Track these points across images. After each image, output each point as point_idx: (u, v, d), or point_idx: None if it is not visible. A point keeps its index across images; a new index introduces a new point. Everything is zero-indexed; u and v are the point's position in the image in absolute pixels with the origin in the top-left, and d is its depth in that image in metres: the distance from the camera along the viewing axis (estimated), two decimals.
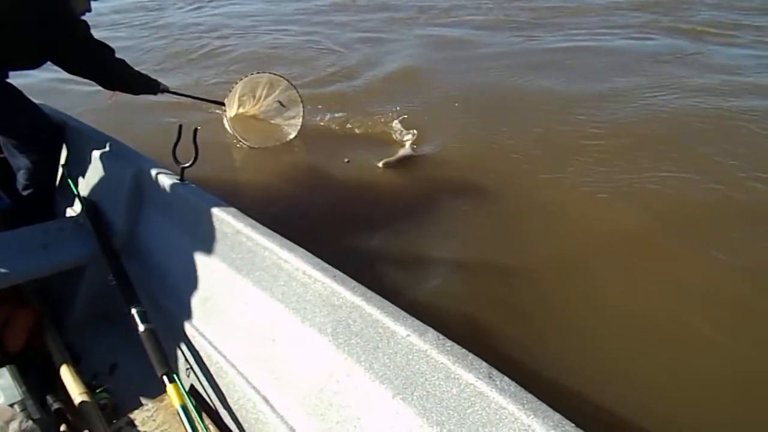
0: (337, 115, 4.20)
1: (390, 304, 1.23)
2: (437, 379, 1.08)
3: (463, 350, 1.09)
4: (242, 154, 3.66)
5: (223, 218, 1.60)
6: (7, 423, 1.31)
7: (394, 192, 3.21)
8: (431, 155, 3.60)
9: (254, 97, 3.81)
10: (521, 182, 3.22)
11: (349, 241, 2.62)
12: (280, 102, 3.81)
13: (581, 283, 2.39)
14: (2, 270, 1.80)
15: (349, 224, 2.80)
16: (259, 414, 1.40)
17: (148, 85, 2.48)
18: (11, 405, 1.41)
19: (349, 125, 4.07)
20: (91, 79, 2.25)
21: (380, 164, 3.38)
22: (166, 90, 2.57)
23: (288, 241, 1.46)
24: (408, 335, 1.14)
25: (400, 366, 1.16)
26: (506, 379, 1.02)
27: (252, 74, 3.69)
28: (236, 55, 6.20)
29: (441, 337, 1.13)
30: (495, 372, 1.03)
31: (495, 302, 2.26)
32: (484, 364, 1.06)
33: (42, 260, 1.88)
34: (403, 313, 1.20)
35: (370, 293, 1.27)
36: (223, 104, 3.50)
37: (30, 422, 1.37)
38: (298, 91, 3.73)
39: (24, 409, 1.42)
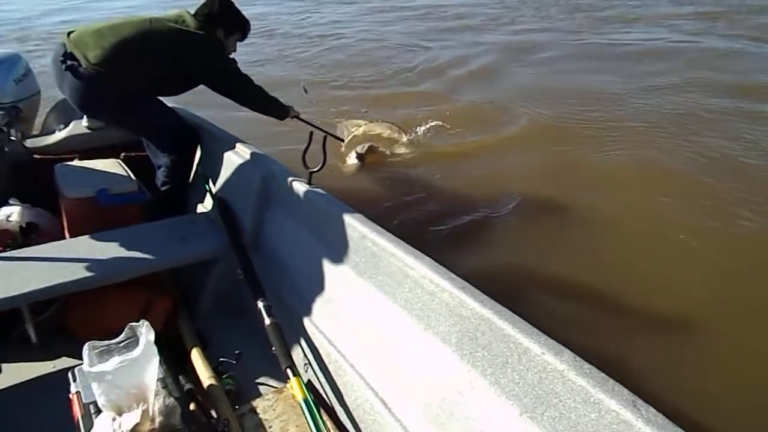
0: (455, 132, 4.33)
1: (522, 320, 1.22)
2: (573, 401, 1.05)
3: (603, 374, 1.05)
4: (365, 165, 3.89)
5: (349, 222, 1.66)
6: (154, 398, 1.44)
7: (515, 203, 3.24)
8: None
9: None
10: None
11: (469, 252, 2.64)
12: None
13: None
14: (148, 257, 1.98)
15: (468, 238, 2.83)
16: (377, 415, 1.43)
17: (279, 111, 2.69)
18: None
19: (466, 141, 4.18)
20: (231, 100, 2.52)
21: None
22: (296, 116, 2.79)
23: (414, 249, 1.49)
24: (543, 353, 1.12)
25: (531, 384, 1.14)
26: (652, 409, 0.97)
27: (372, 122, 4.10)
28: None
29: (578, 358, 1.09)
30: (640, 401, 0.99)
31: (631, 329, 2.18)
32: (626, 390, 1.02)
33: (180, 251, 2.06)
34: (536, 330, 1.18)
35: (499, 307, 1.26)
36: (342, 140, 3.84)
37: (171, 399, 1.48)
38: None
39: (165, 387, 1.54)
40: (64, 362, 1.96)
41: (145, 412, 1.36)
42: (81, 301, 2.02)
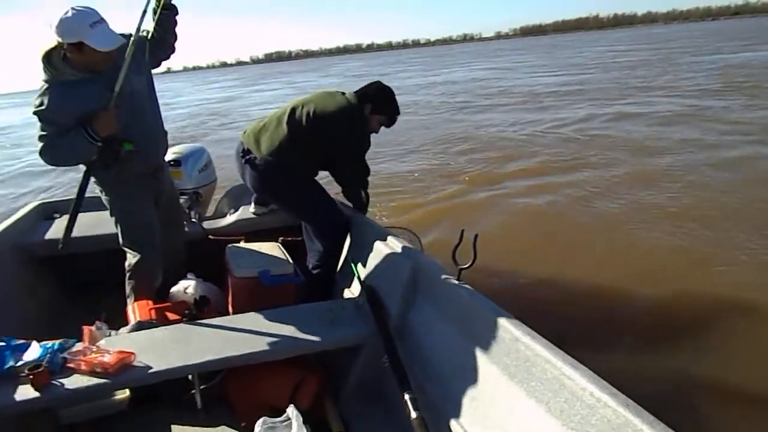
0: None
1: None
2: None
3: None
4: (518, 264, 3.89)
5: (501, 323, 1.67)
6: None
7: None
8: None
9: None
10: None
11: (629, 365, 2.49)
12: None
13: None
14: (301, 338, 2.12)
15: (627, 348, 2.70)
16: None
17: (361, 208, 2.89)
18: None
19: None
20: (345, 184, 2.76)
21: None
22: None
23: (572, 358, 1.45)
24: None
25: None
26: None
27: None
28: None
29: None
30: None
31: None
32: None
33: (330, 334, 2.17)
34: None
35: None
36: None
37: None
38: None
39: None
40: (223, 429, 2.13)
41: None
42: (240, 374, 2.21)
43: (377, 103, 2.66)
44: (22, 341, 2.01)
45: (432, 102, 15.30)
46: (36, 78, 2.20)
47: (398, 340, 2.09)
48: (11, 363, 1.92)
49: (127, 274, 2.63)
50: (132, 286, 2.64)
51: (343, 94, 2.64)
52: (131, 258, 2.62)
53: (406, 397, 1.77)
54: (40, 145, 2.19)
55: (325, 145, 2.61)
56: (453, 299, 1.93)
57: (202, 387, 2.18)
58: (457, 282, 1.94)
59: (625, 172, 6.14)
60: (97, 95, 2.21)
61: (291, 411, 1.58)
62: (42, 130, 2.18)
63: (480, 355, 1.76)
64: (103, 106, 2.19)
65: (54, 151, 2.20)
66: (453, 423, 1.72)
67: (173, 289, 2.69)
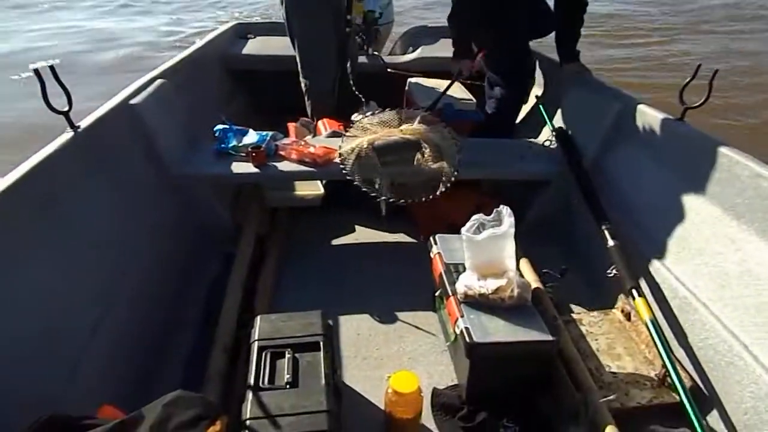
0: None
1: None
2: None
3: None
4: None
5: (737, 161, 1.53)
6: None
7: None
8: None
9: None
10: None
11: None
12: None
13: None
14: (489, 165, 2.15)
15: None
16: (736, 359, 1.35)
17: None
18: None
19: None
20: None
21: None
22: None
23: None
24: None
25: None
26: None
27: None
28: None
29: None
30: None
31: None
32: None
33: (516, 167, 2.18)
34: None
35: None
36: None
37: (524, 279, 1.59)
38: None
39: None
40: (402, 237, 2.29)
41: (508, 281, 1.50)
42: None
43: None
44: (241, 127, 2.24)
45: None
46: None
47: (594, 179, 2.02)
48: (234, 143, 2.16)
49: (306, 96, 2.75)
50: (311, 107, 2.77)
51: None
52: (305, 82, 2.72)
53: (603, 227, 1.76)
54: None
55: None
56: (671, 139, 1.81)
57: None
58: (679, 121, 1.80)
59: None
60: None
61: (503, 209, 1.62)
62: None
63: (698, 195, 1.66)
64: None
65: None
66: (652, 259, 1.69)
67: (355, 116, 2.79)
